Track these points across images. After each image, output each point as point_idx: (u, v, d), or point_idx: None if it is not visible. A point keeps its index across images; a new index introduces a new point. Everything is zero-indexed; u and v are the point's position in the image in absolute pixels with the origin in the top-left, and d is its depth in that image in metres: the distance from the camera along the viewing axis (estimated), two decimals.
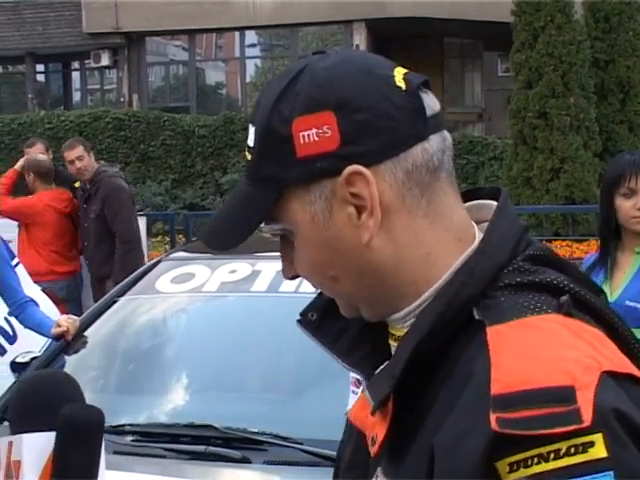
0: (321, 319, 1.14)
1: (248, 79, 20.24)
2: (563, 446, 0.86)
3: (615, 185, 3.30)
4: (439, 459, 0.91)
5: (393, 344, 1.07)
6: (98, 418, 1.20)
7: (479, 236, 1.04)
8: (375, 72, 1.01)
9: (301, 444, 2.62)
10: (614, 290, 3.27)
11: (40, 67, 20.74)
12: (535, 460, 0.86)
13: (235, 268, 3.40)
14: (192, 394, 3.12)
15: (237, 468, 2.65)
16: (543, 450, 0.86)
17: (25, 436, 1.18)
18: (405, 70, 1.03)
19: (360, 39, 17.44)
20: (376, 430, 1.02)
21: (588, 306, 0.99)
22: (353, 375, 1.64)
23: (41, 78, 21.14)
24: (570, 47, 12.01)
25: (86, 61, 19.73)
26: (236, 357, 3.21)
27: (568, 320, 0.96)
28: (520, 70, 12.35)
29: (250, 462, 2.64)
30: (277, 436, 2.67)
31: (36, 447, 1.17)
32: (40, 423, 1.18)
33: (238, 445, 2.67)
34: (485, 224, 1.06)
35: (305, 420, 2.80)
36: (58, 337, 3.59)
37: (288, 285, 3.15)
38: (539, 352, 0.91)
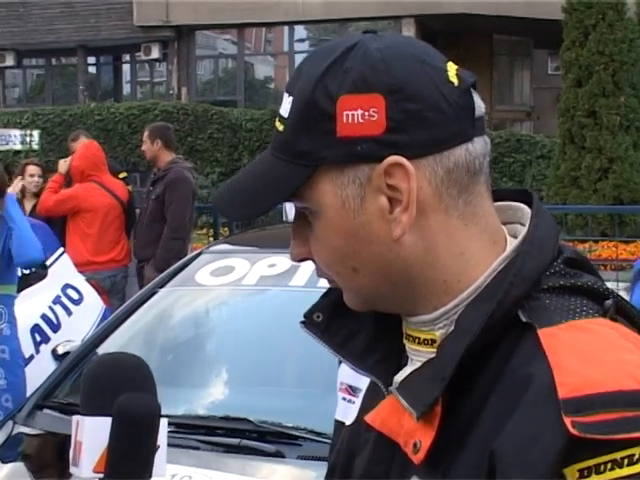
0: (328, 321, 1.10)
1: None
2: (637, 452, 0.84)
3: None
4: (503, 465, 0.88)
5: (413, 347, 1.03)
6: (152, 411, 1.19)
7: (510, 239, 1.02)
8: (429, 62, 0.98)
9: None
10: None
11: (91, 59, 20.97)
12: (609, 466, 0.84)
13: (274, 262, 3.40)
14: (228, 387, 3.13)
15: (271, 462, 2.65)
16: (617, 456, 0.84)
17: (87, 419, 1.18)
18: (456, 66, 1.00)
19: (409, 35, 17.38)
20: (418, 436, 0.97)
21: (624, 311, 0.98)
22: (343, 382, 1.60)
23: (92, 70, 21.38)
24: (622, 45, 11.85)
25: (136, 54, 19.92)
26: (273, 351, 3.22)
27: (615, 324, 0.95)
28: (570, 68, 12.22)
29: (284, 456, 2.64)
30: (311, 431, 2.67)
31: (95, 431, 1.17)
32: (105, 407, 1.18)
33: (272, 439, 2.67)
34: (511, 226, 1.04)
35: None
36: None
37: (326, 280, 3.15)
38: (599, 355, 0.89)
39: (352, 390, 1.50)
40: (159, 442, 1.21)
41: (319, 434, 2.66)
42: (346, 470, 1.14)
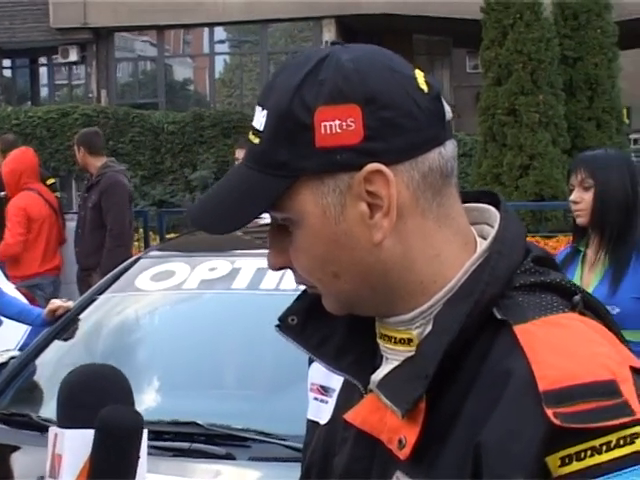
0: (303, 324, 1.11)
1: (217, 75, 20.19)
2: (613, 438, 0.88)
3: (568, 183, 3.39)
4: (489, 456, 0.91)
5: (389, 346, 1.06)
6: (135, 423, 1.18)
7: (479, 239, 1.06)
8: (399, 70, 1.01)
9: (285, 440, 2.64)
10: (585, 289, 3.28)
11: (7, 62, 20.55)
12: (589, 453, 0.88)
13: (215, 265, 3.40)
14: (176, 391, 3.13)
15: (221, 464, 2.66)
16: (596, 443, 0.88)
17: (67, 432, 1.17)
18: (423, 73, 1.03)
19: (330, 35, 17.44)
20: (403, 432, 0.99)
21: (591, 305, 1.02)
22: (314, 382, 1.62)
23: (7, 73, 20.96)
24: (539, 44, 12.07)
25: (54, 56, 19.59)
26: (218, 354, 3.22)
27: (584, 318, 0.99)
28: (489, 67, 12.40)
29: (234, 458, 2.65)
30: (261, 432, 2.69)
31: (77, 445, 1.16)
32: (85, 419, 1.16)
33: (222, 442, 2.68)
34: (478, 227, 1.08)
35: (288, 416, 2.81)
36: (51, 318, 3.61)
37: (268, 282, 3.16)
38: (573, 348, 0.94)
39: (324, 390, 1.52)
40: (140, 453, 1.20)
41: (268, 435, 2.69)
42: (323, 469, 1.17)
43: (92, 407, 1.17)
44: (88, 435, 1.16)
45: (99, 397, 1.19)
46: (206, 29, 19.28)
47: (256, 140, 1.02)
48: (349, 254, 1.00)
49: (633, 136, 18.17)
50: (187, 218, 1.07)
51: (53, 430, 1.20)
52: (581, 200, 3.29)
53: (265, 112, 1.01)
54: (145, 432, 1.21)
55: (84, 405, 1.19)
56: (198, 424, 2.73)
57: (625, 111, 13.94)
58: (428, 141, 1.00)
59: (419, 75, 1.02)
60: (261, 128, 1.01)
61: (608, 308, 3.26)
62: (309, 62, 1.00)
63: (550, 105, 12.07)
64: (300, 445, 2.52)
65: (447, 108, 1.03)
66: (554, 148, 12.10)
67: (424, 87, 1.00)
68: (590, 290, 3.28)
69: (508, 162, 12.08)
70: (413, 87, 1.00)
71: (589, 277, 3.34)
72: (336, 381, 1.23)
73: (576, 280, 3.34)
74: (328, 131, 0.97)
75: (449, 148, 1.02)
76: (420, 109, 0.99)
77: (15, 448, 2.95)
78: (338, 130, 0.97)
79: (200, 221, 1.04)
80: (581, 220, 3.32)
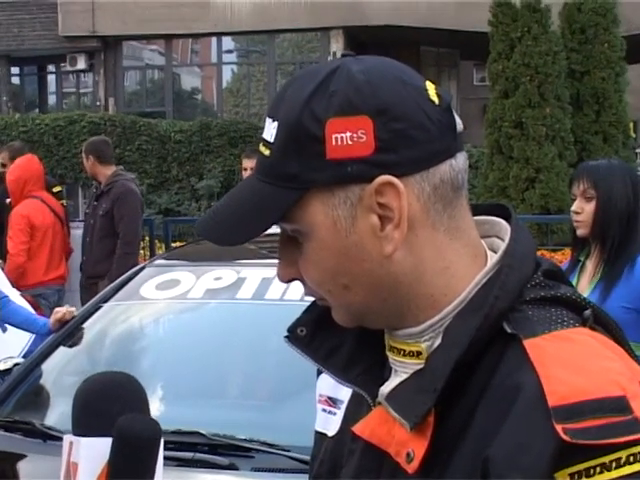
0: (312, 335, 1.11)
1: (224, 85, 20.23)
2: (623, 455, 0.88)
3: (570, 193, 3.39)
4: (498, 471, 0.91)
5: (397, 358, 1.06)
6: (153, 433, 1.17)
7: (489, 253, 1.05)
8: (410, 82, 1.00)
9: (288, 451, 2.63)
10: None
11: (15, 70, 20.60)
12: (598, 470, 0.88)
13: (220, 275, 3.40)
14: (179, 401, 3.12)
15: (224, 475, 2.65)
16: (606, 459, 0.88)
17: (83, 440, 1.17)
18: (434, 85, 1.03)
19: (337, 46, 17.47)
20: (411, 445, 0.99)
21: (601, 320, 1.02)
22: (322, 393, 1.62)
23: (16, 81, 21.00)
24: (546, 58, 12.10)
25: (62, 64, 19.63)
26: (222, 364, 3.22)
27: (595, 333, 0.99)
28: (497, 80, 12.43)
29: (237, 469, 2.64)
30: (264, 443, 2.68)
31: (93, 453, 1.16)
32: (101, 427, 1.16)
33: (225, 452, 2.67)
34: (489, 240, 1.07)
35: (292, 427, 2.81)
36: (56, 327, 3.61)
37: (273, 292, 3.16)
38: (584, 364, 0.93)
39: (332, 401, 1.52)
40: (158, 462, 1.21)
41: (272, 445, 2.68)
42: None
43: (109, 415, 1.17)
44: (105, 444, 1.16)
45: (116, 405, 1.19)
46: (214, 39, 19.32)
47: (267, 152, 1.02)
48: (360, 266, 1.00)
49: (639, 150, 18.15)
50: (197, 230, 1.07)
51: (68, 438, 1.20)
52: (582, 210, 3.27)
53: (275, 124, 1.00)
54: (162, 441, 1.21)
55: (100, 413, 1.19)
56: (201, 434, 2.72)
57: (632, 125, 13.94)
58: (439, 153, 0.99)
59: (430, 87, 1.01)
60: (271, 140, 1.01)
61: None
62: (320, 74, 1.00)
63: (557, 118, 12.08)
64: (303, 456, 2.53)
65: (458, 120, 1.03)
66: (560, 161, 12.11)
67: (435, 99, 1.00)
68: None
69: (514, 175, 12.09)
70: (424, 99, 1.00)
71: (583, 284, 3.33)
72: (344, 393, 1.23)
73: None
74: (339, 143, 0.97)
75: (460, 160, 1.02)
76: (431, 121, 0.99)
77: (18, 456, 2.94)
78: (349, 142, 0.97)
79: (210, 233, 1.04)
80: (581, 232, 3.30)
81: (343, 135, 0.97)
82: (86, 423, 1.19)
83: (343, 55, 1.04)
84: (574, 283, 3.34)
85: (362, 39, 17.68)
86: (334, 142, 0.97)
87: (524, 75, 12.12)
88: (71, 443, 1.19)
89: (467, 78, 21.51)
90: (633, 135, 14.59)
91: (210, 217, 1.05)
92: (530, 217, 11.59)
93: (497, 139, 12.33)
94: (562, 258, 9.77)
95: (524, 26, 12.18)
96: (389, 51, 18.26)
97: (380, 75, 0.99)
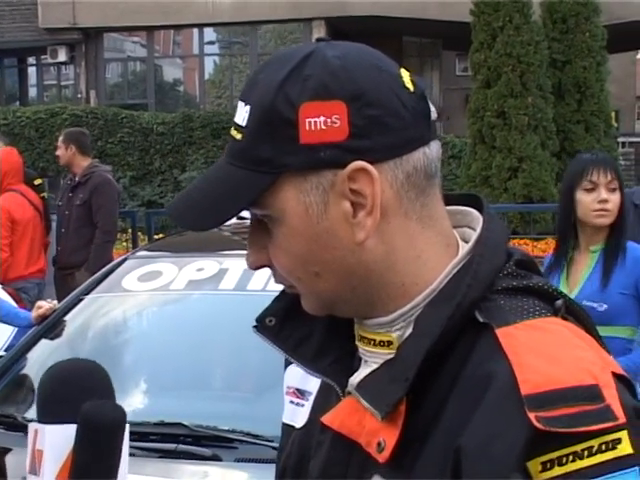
0: (281, 324, 1.10)
1: (207, 76, 20.16)
2: (595, 443, 0.87)
3: (577, 180, 3.38)
4: (469, 462, 0.90)
5: (367, 348, 1.05)
6: (119, 418, 1.17)
7: (461, 242, 1.04)
8: (385, 69, 0.99)
9: (271, 441, 2.62)
10: (571, 289, 3.35)
11: None
12: (570, 458, 0.87)
13: (202, 266, 3.39)
14: (162, 392, 3.11)
15: (208, 465, 2.65)
16: (578, 448, 0.87)
17: (48, 427, 1.16)
18: (409, 72, 1.02)
19: (320, 36, 17.44)
20: (382, 435, 0.98)
21: (572, 310, 1.01)
22: (290, 385, 1.61)
23: None
24: (528, 47, 12.12)
25: (42, 56, 19.52)
26: (205, 355, 3.21)
27: (567, 323, 0.98)
28: (479, 70, 12.45)
29: (221, 460, 2.64)
30: (247, 434, 2.68)
31: (58, 440, 1.15)
32: (66, 414, 1.15)
33: (208, 443, 2.67)
34: (461, 229, 1.07)
35: (275, 418, 2.80)
36: (39, 322, 3.61)
37: (256, 283, 3.16)
38: (556, 353, 0.92)
39: (300, 393, 1.50)
40: (122, 448, 1.20)
41: (255, 436, 2.68)
42: (298, 473, 1.15)
43: (73, 402, 1.16)
44: (69, 430, 1.15)
45: (80, 392, 1.18)
46: (196, 30, 19.25)
47: (238, 136, 1.00)
48: (331, 253, 0.99)
49: (621, 139, 18.23)
50: (168, 213, 1.05)
51: (33, 426, 1.20)
52: (609, 200, 3.32)
53: (248, 107, 0.99)
54: (127, 427, 1.20)
55: (65, 400, 1.17)
56: (184, 425, 2.72)
57: (613, 114, 13.99)
58: (413, 140, 0.98)
59: (405, 74, 1.01)
60: (244, 124, 0.99)
61: (595, 305, 3.30)
62: (294, 58, 0.99)
63: (539, 108, 12.12)
64: None
65: (432, 108, 1.02)
66: (543, 151, 12.15)
67: (410, 86, 1.00)
68: (578, 288, 3.33)
69: (497, 164, 12.12)
70: (399, 86, 0.99)
71: (576, 276, 3.38)
72: (313, 384, 1.22)
73: (562, 280, 3.38)
74: (312, 127, 0.96)
75: (434, 148, 1.01)
76: (406, 108, 0.98)
77: (1, 449, 2.93)
78: (323, 127, 0.96)
79: (181, 217, 1.02)
80: (605, 220, 3.36)
81: (317, 120, 0.96)
82: (51, 411, 1.19)
83: (317, 40, 1.02)
84: (564, 274, 3.38)
85: (344, 30, 17.65)
86: (307, 126, 0.96)
87: (506, 65, 12.14)
88: (36, 431, 1.19)
89: (449, 68, 21.54)
90: (615, 124, 14.64)
91: (181, 201, 1.03)
92: (513, 206, 11.63)
93: (480, 129, 12.36)
94: (545, 247, 9.80)
95: (506, 16, 12.20)
96: (371, 41, 18.11)
97: (355, 61, 0.98)
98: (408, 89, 0.99)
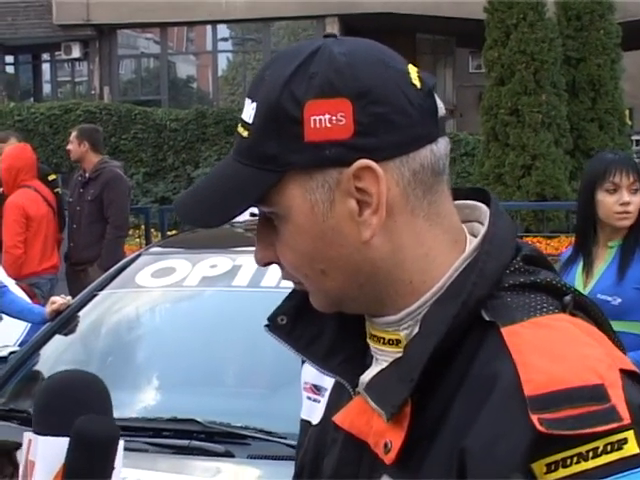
0: (293, 323, 1.10)
1: (220, 73, 20.19)
2: (600, 444, 0.86)
3: (599, 180, 3.37)
4: (473, 463, 0.89)
5: (378, 347, 1.04)
6: (112, 435, 1.16)
7: (469, 237, 1.04)
8: (392, 65, 0.99)
9: (284, 438, 2.63)
10: (587, 283, 3.36)
11: (9, 58, 20.55)
12: (575, 459, 0.86)
13: (216, 262, 3.39)
14: (175, 388, 3.12)
15: (220, 462, 2.65)
16: (582, 449, 0.86)
17: (41, 438, 1.15)
18: (416, 68, 1.01)
19: None
20: (388, 436, 0.97)
21: (582, 306, 1.00)
22: (307, 381, 1.61)
23: (10, 70, 20.95)
24: (542, 45, 12.08)
25: (56, 53, 19.59)
26: (218, 351, 3.21)
27: (575, 319, 0.97)
28: (492, 67, 12.41)
29: (233, 456, 2.64)
30: (261, 430, 2.68)
31: (50, 452, 1.14)
32: (60, 427, 1.14)
33: (221, 439, 2.67)
34: (469, 224, 1.06)
35: (288, 414, 2.80)
36: (53, 316, 3.62)
37: (269, 280, 3.15)
38: (561, 351, 0.91)
39: (317, 389, 1.50)
40: (115, 464, 1.18)
41: (268, 433, 2.68)
42: (314, 470, 1.15)
43: (68, 415, 1.15)
44: (62, 443, 1.14)
45: (76, 405, 1.17)
46: (209, 27, 19.28)
47: (245, 133, 1.00)
48: (337, 251, 0.99)
49: (635, 137, 18.15)
50: (175, 210, 1.05)
51: (27, 435, 1.18)
52: (632, 202, 3.33)
53: (254, 105, 0.99)
54: (121, 443, 1.18)
55: (60, 412, 1.16)
56: (197, 421, 2.72)
57: (628, 112, 13.92)
58: (420, 138, 0.98)
59: (412, 70, 1.00)
60: (250, 121, 0.99)
61: (610, 299, 3.29)
62: (300, 55, 0.98)
63: (553, 105, 12.07)
64: None
65: (440, 104, 1.01)
66: (556, 148, 12.10)
67: (417, 83, 0.99)
68: (594, 281, 3.34)
69: (510, 162, 12.08)
70: (406, 82, 0.98)
71: (592, 269, 3.42)
72: (328, 381, 1.22)
73: (578, 273, 3.39)
74: (318, 125, 0.95)
75: (441, 145, 1.00)
76: (412, 105, 0.97)
77: (13, 444, 2.94)
78: (328, 124, 0.95)
79: (187, 214, 1.02)
80: (626, 222, 3.37)
81: (322, 117, 0.95)
82: (45, 421, 1.17)
83: (325, 36, 1.01)
84: (579, 270, 3.39)
85: (357, 27, 17.63)
86: (312, 124, 0.95)
87: (520, 62, 12.10)
88: (30, 440, 1.17)
89: (463, 66, 21.50)
90: (629, 122, 14.57)
91: (187, 198, 1.03)
92: (526, 204, 11.59)
93: (493, 126, 12.32)
94: (558, 245, 9.76)
95: (520, 13, 12.15)
96: (384, 39, 18.09)
97: (362, 57, 0.97)
98: (415, 86, 0.98)
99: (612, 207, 3.34)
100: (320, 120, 0.95)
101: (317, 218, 0.98)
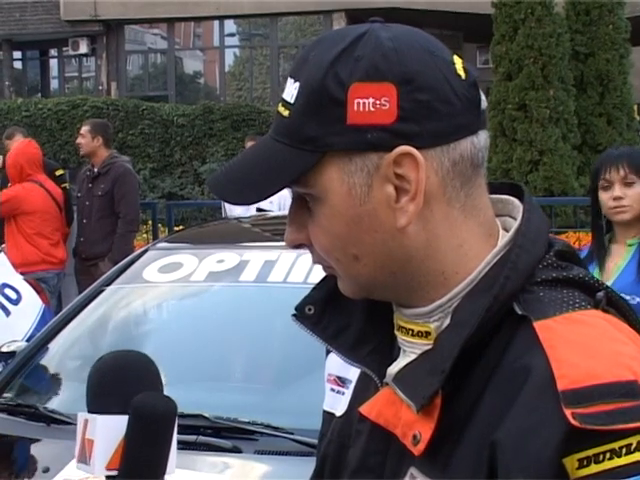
0: (320, 313, 1.10)
1: (227, 68, 20.18)
2: (634, 441, 0.86)
3: (597, 179, 3.39)
4: (504, 456, 0.89)
5: (406, 339, 1.04)
6: (170, 410, 1.19)
7: (502, 232, 1.03)
8: (438, 54, 0.99)
9: (292, 434, 2.62)
10: (605, 280, 3.34)
11: (17, 54, 20.56)
12: (607, 455, 0.86)
13: (223, 258, 3.38)
14: (182, 384, 3.11)
15: (228, 457, 2.65)
16: (616, 445, 0.86)
17: (100, 417, 1.17)
18: (462, 60, 1.01)
19: None
20: (417, 427, 0.97)
21: (614, 302, 1.00)
22: (331, 373, 1.61)
23: (18, 65, 20.96)
24: (550, 40, 12.03)
25: (64, 48, 19.60)
26: (225, 347, 3.21)
27: (607, 316, 0.97)
28: (500, 62, 12.37)
29: (241, 452, 2.64)
30: (268, 426, 2.68)
31: (109, 430, 1.17)
32: (116, 405, 1.17)
33: (229, 435, 2.67)
34: (502, 219, 1.05)
35: (295, 410, 2.81)
36: None
37: (276, 275, 3.15)
38: (595, 347, 0.91)
39: (341, 381, 1.51)
40: (172, 440, 1.21)
41: (275, 428, 2.67)
42: (338, 461, 1.15)
43: (123, 394, 1.18)
44: (121, 421, 1.17)
45: (130, 384, 1.19)
46: (216, 22, 19.26)
47: (285, 112, 0.99)
48: (371, 237, 0.98)
49: None
50: (209, 186, 1.04)
51: (83, 416, 1.20)
52: (625, 196, 3.30)
53: (297, 84, 0.98)
54: (177, 419, 1.21)
55: (115, 393, 1.19)
56: (205, 417, 2.72)
57: (636, 107, 13.87)
58: (461, 128, 0.98)
59: (457, 61, 1.00)
60: (292, 100, 0.99)
61: (628, 297, 3.27)
62: (347, 38, 0.98)
63: (561, 101, 12.03)
64: (307, 439, 2.53)
65: (483, 97, 1.01)
66: (564, 144, 12.06)
67: (462, 73, 0.99)
68: (612, 279, 3.33)
69: (518, 157, 12.04)
70: (451, 72, 0.98)
71: (610, 267, 3.39)
72: (353, 372, 1.22)
73: (596, 271, 3.39)
74: (361, 108, 0.95)
75: (482, 138, 1.00)
76: (456, 95, 0.97)
77: (21, 439, 2.94)
78: (371, 108, 0.95)
79: (222, 190, 1.02)
80: (624, 216, 3.35)
81: (366, 101, 0.95)
82: (100, 402, 1.20)
83: (371, 21, 1.01)
84: (598, 266, 3.38)
85: (365, 21, 17.60)
86: (356, 107, 0.95)
87: (528, 57, 12.05)
88: (86, 421, 1.20)
89: (470, 60, 21.36)
90: (637, 117, 14.51)
91: (223, 175, 1.03)
92: (534, 199, 11.55)
93: (500, 121, 12.28)
94: (567, 240, 9.75)
95: (527, 8, 12.10)
96: None
97: (408, 44, 0.98)
98: (460, 76, 0.98)
99: (606, 203, 3.35)
100: (364, 103, 0.95)
101: (354, 202, 0.98)
